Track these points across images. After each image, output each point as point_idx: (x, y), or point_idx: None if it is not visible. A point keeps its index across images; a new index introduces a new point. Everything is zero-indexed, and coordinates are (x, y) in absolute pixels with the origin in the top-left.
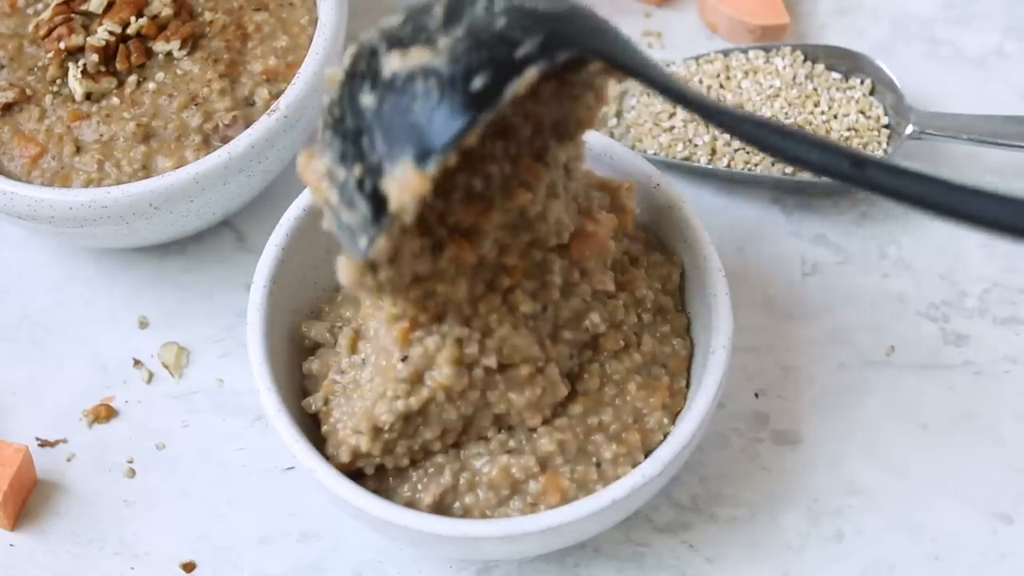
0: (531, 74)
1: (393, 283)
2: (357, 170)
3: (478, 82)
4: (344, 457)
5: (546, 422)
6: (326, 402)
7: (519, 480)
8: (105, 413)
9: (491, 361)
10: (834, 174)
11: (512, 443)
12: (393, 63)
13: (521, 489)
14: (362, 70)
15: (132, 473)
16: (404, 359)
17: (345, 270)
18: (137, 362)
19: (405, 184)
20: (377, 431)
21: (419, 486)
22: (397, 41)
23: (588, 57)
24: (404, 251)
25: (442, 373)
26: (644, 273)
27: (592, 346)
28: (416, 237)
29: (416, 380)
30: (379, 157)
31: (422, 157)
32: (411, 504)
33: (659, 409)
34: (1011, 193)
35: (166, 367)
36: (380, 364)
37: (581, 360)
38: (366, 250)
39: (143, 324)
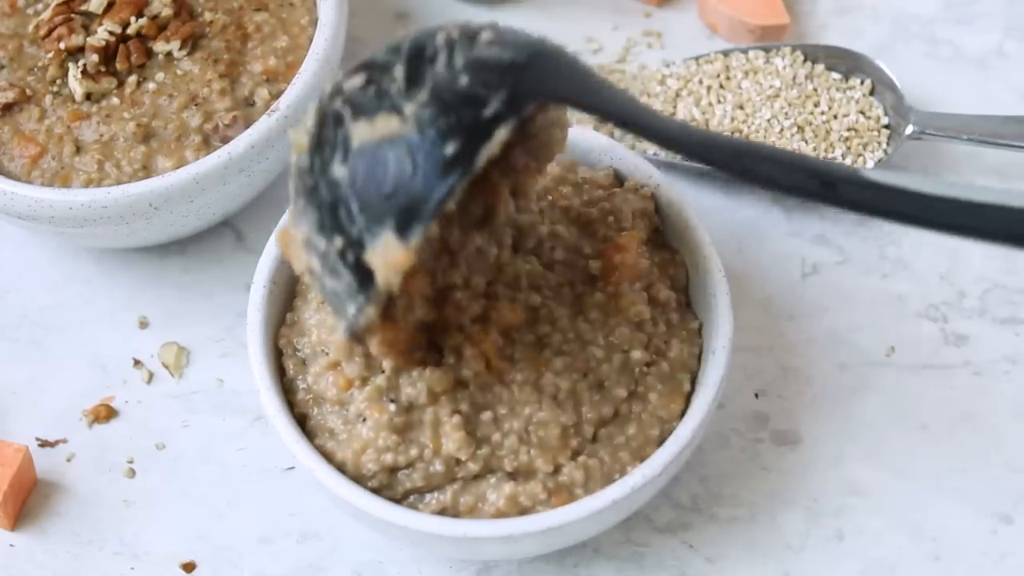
0: (501, 134)
1: (388, 346)
2: (338, 242)
3: (450, 148)
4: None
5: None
6: (305, 418)
7: (527, 507)
8: (105, 413)
9: (511, 441)
10: (803, 195)
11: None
12: (361, 133)
13: (529, 513)
14: (330, 138)
15: (132, 473)
16: (394, 400)
17: (336, 347)
18: (137, 362)
19: (389, 260)
20: (361, 476)
21: (419, 506)
22: (361, 108)
23: (554, 103)
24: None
25: (450, 439)
26: (658, 273)
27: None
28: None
29: (407, 429)
30: (359, 230)
31: (403, 229)
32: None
33: (679, 417)
34: (985, 198)
35: (166, 367)
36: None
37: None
38: (355, 318)
39: (143, 324)
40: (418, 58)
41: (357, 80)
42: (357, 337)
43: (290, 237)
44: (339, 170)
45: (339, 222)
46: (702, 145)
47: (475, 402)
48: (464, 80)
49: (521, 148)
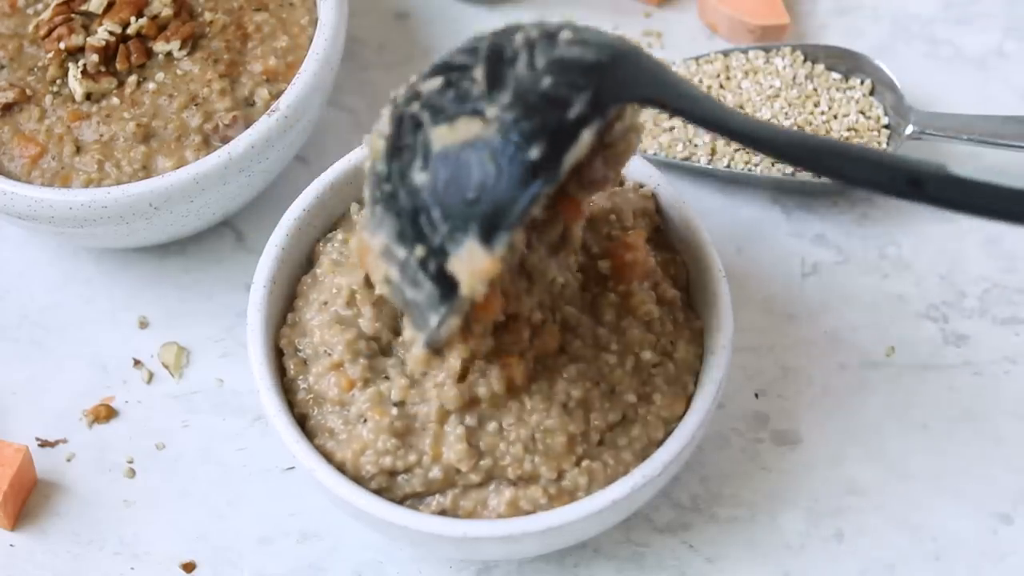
0: (587, 137)
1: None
2: (419, 250)
3: (535, 152)
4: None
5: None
6: (305, 418)
7: (527, 511)
8: (105, 413)
9: (515, 450)
10: (891, 193)
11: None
12: (442, 136)
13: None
14: (409, 143)
15: (132, 473)
16: (400, 404)
17: (415, 359)
18: (137, 362)
19: (474, 268)
20: (361, 477)
21: (419, 507)
22: (440, 111)
23: (638, 103)
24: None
25: (452, 450)
26: (660, 272)
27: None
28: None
29: (407, 434)
30: (441, 238)
31: (487, 236)
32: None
33: (681, 419)
34: None
35: (166, 367)
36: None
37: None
38: (437, 329)
39: (143, 324)
40: (498, 59)
41: (435, 83)
42: (436, 349)
43: (366, 246)
44: (419, 176)
45: (420, 230)
46: (788, 144)
47: (482, 414)
48: (547, 81)
49: (600, 157)
